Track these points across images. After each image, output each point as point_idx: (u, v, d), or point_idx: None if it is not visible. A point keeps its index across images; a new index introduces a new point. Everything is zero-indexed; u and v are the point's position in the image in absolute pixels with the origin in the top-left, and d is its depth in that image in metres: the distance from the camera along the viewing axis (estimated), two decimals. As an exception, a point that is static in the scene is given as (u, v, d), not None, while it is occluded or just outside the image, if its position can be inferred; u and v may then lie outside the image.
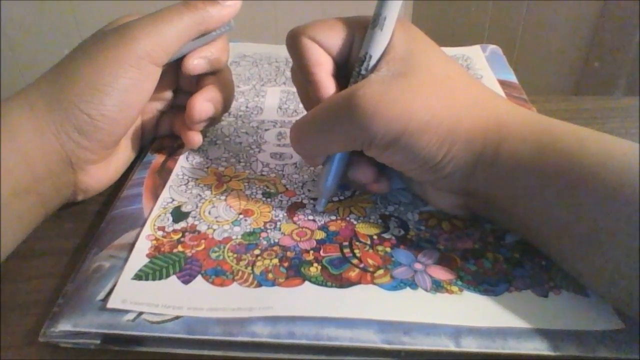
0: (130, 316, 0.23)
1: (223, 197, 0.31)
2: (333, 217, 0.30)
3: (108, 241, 0.28)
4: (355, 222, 0.29)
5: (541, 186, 0.24)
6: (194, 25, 0.32)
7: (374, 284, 0.25)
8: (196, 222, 0.29)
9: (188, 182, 0.33)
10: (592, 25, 1.03)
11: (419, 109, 0.25)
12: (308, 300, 0.24)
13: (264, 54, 0.50)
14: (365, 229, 0.29)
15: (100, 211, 0.32)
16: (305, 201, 0.31)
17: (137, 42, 0.30)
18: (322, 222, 0.29)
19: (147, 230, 0.28)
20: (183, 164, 0.34)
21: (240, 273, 0.26)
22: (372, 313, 0.24)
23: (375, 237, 0.28)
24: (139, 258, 0.27)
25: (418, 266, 0.26)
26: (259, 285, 0.25)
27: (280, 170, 0.34)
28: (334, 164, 0.29)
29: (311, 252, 0.27)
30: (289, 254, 0.27)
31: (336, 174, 0.29)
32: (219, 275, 0.26)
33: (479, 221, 0.29)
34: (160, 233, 0.28)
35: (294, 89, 0.44)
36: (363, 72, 0.27)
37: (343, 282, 0.25)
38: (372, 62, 0.27)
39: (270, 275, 0.26)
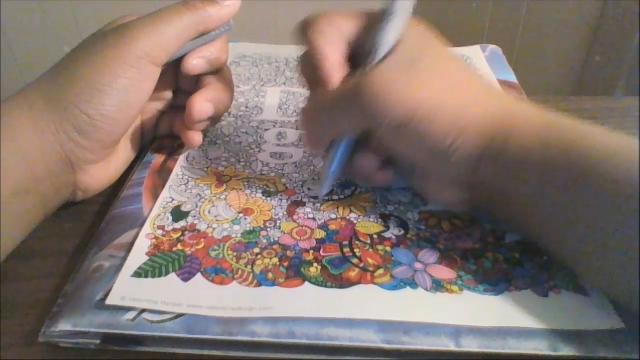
0: (130, 316, 0.23)
1: (223, 197, 0.31)
2: (333, 216, 0.30)
3: (108, 241, 0.28)
4: (355, 222, 0.29)
5: (545, 180, 0.24)
6: (193, 25, 0.32)
7: (374, 283, 0.25)
8: (196, 221, 0.29)
9: (188, 182, 0.33)
10: (592, 25, 1.03)
11: (426, 97, 0.26)
12: (308, 301, 0.24)
13: (264, 54, 0.50)
14: (365, 229, 0.29)
15: (100, 211, 0.32)
16: (305, 200, 0.31)
17: (136, 42, 0.30)
18: (322, 221, 0.29)
19: (147, 229, 0.28)
20: (183, 164, 0.34)
21: (240, 272, 0.26)
22: (372, 313, 0.24)
23: (375, 236, 0.28)
24: (138, 256, 0.26)
25: (418, 266, 0.26)
26: (259, 284, 0.25)
27: (280, 169, 0.34)
28: (339, 150, 0.29)
29: (311, 251, 0.27)
30: (289, 253, 0.27)
31: (341, 160, 0.29)
32: (218, 274, 0.26)
33: (479, 221, 0.29)
34: (160, 232, 0.28)
35: (294, 89, 0.44)
36: (373, 62, 0.27)
37: (343, 283, 0.25)
38: (382, 53, 0.27)
39: (270, 275, 0.26)
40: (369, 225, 0.29)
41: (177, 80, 0.36)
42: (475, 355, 0.22)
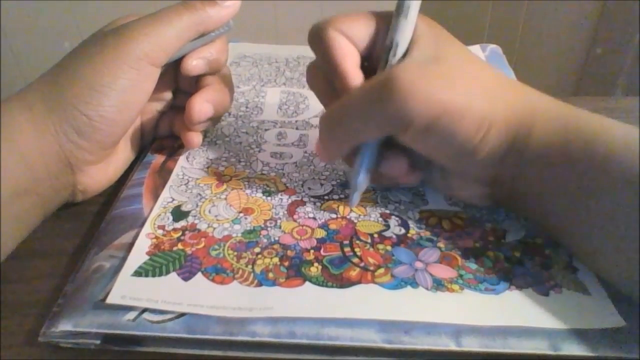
0: (131, 316, 0.23)
1: (223, 196, 0.31)
2: (333, 216, 0.30)
3: (108, 241, 0.28)
4: (355, 221, 0.29)
5: (566, 171, 0.24)
6: (193, 26, 0.32)
7: (375, 282, 0.25)
8: (196, 221, 0.29)
9: (188, 182, 0.33)
10: (592, 25, 1.03)
11: (458, 92, 0.25)
12: (308, 300, 0.24)
13: (263, 54, 0.50)
14: (365, 228, 0.29)
15: (100, 211, 0.32)
16: (305, 199, 0.31)
17: (136, 43, 0.30)
18: (323, 221, 0.29)
19: (147, 228, 0.28)
20: (183, 164, 0.34)
21: (240, 271, 0.26)
22: (373, 312, 0.23)
23: (375, 235, 0.28)
24: (138, 256, 0.26)
25: (419, 265, 0.26)
26: (260, 284, 0.25)
27: (281, 169, 0.34)
28: (365, 158, 0.29)
29: (311, 251, 0.27)
30: (289, 252, 0.27)
31: (367, 168, 0.29)
32: (219, 273, 0.26)
33: (480, 220, 0.29)
34: (160, 232, 0.28)
35: (294, 89, 0.44)
36: (392, 60, 0.27)
37: (344, 282, 0.25)
38: (400, 49, 0.27)
39: (270, 275, 0.26)
40: (369, 225, 0.29)
41: (177, 81, 0.36)
42: (476, 354, 0.22)
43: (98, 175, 0.32)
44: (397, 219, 0.30)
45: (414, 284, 0.25)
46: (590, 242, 0.25)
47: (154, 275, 0.25)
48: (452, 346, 0.22)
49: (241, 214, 0.30)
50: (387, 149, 0.29)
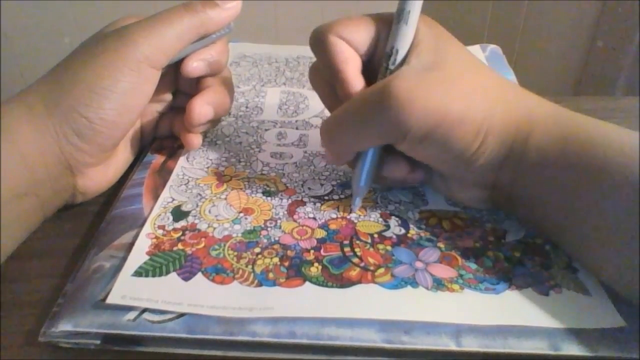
0: (131, 316, 0.23)
1: (223, 196, 0.31)
2: (333, 216, 0.30)
3: (108, 241, 0.28)
4: (355, 221, 0.29)
5: (564, 176, 0.24)
6: (193, 29, 0.32)
7: (375, 282, 0.25)
8: (196, 221, 0.29)
9: (188, 182, 0.33)
10: (592, 25, 1.03)
11: (455, 99, 0.25)
12: (308, 300, 0.24)
13: (263, 54, 0.50)
14: (365, 228, 0.29)
15: (100, 211, 0.32)
16: (305, 199, 0.31)
17: (136, 46, 0.29)
18: (323, 221, 0.29)
19: (147, 228, 0.28)
20: (183, 164, 0.34)
21: (240, 271, 0.26)
22: (373, 312, 0.23)
23: (375, 235, 0.28)
24: (139, 256, 0.26)
25: (419, 264, 0.26)
26: (260, 284, 0.25)
27: (281, 169, 0.34)
28: (366, 162, 0.29)
29: (312, 251, 0.27)
30: (289, 253, 0.27)
31: (369, 172, 0.29)
32: (219, 273, 0.26)
33: (480, 220, 0.29)
34: (160, 232, 0.28)
35: (294, 89, 0.44)
36: (391, 66, 0.27)
37: (344, 282, 0.25)
38: (400, 56, 0.27)
39: (270, 275, 0.26)
40: (369, 225, 0.29)
41: (177, 82, 0.36)
42: (476, 354, 0.22)
43: (98, 177, 0.32)
44: (397, 219, 0.30)
45: (414, 283, 0.25)
46: (588, 246, 0.25)
47: (154, 275, 0.25)
48: (452, 346, 0.22)
49: (241, 214, 0.30)
50: (388, 153, 0.29)
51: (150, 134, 0.37)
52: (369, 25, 0.28)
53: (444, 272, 0.26)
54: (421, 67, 0.26)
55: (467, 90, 0.26)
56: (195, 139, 0.34)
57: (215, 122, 0.36)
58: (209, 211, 0.30)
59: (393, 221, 0.29)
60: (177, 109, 0.36)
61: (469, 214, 0.30)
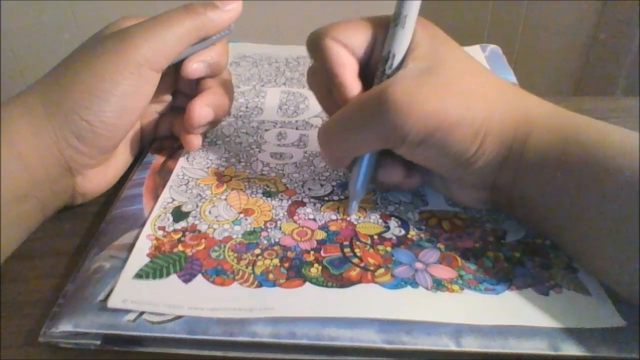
0: (131, 316, 0.23)
1: (223, 197, 0.31)
2: (333, 217, 0.30)
3: (108, 241, 0.28)
4: (355, 222, 0.29)
5: (564, 178, 0.24)
6: (194, 31, 0.31)
7: (375, 282, 0.25)
8: (196, 222, 0.29)
9: (188, 182, 0.33)
10: (592, 25, 1.03)
11: (453, 103, 0.25)
12: (309, 301, 0.24)
13: (263, 55, 0.50)
14: (365, 229, 0.29)
15: (100, 212, 0.32)
16: (305, 200, 0.31)
17: (136, 49, 0.29)
18: (323, 222, 0.29)
19: (147, 230, 0.28)
20: (183, 164, 0.34)
21: (240, 273, 0.26)
22: (373, 312, 0.24)
23: (375, 236, 0.28)
24: (139, 258, 0.26)
25: (419, 265, 0.26)
26: (260, 285, 0.25)
27: (281, 169, 0.34)
28: (362, 166, 0.29)
29: (312, 252, 0.27)
30: (289, 254, 0.27)
31: (366, 175, 0.29)
32: (219, 275, 0.26)
33: (480, 220, 0.29)
34: (160, 233, 0.28)
35: (294, 90, 0.44)
36: (388, 71, 0.27)
37: (344, 282, 0.25)
38: (396, 60, 0.27)
39: (270, 276, 0.26)
40: (369, 226, 0.29)
41: (176, 83, 0.36)
42: (476, 354, 0.22)
43: (97, 179, 0.32)
44: (397, 220, 0.30)
45: (414, 283, 0.25)
46: (589, 247, 0.25)
47: (154, 278, 0.25)
48: (452, 346, 0.22)
49: (241, 215, 0.30)
50: (384, 157, 0.29)
51: (150, 135, 0.37)
52: (366, 29, 0.28)
53: (444, 272, 0.26)
54: (418, 70, 0.26)
55: (465, 93, 0.26)
56: (195, 140, 0.34)
57: (215, 123, 0.36)
58: (209, 212, 0.30)
59: (393, 222, 0.29)
60: (177, 110, 0.36)
61: (469, 215, 0.30)
